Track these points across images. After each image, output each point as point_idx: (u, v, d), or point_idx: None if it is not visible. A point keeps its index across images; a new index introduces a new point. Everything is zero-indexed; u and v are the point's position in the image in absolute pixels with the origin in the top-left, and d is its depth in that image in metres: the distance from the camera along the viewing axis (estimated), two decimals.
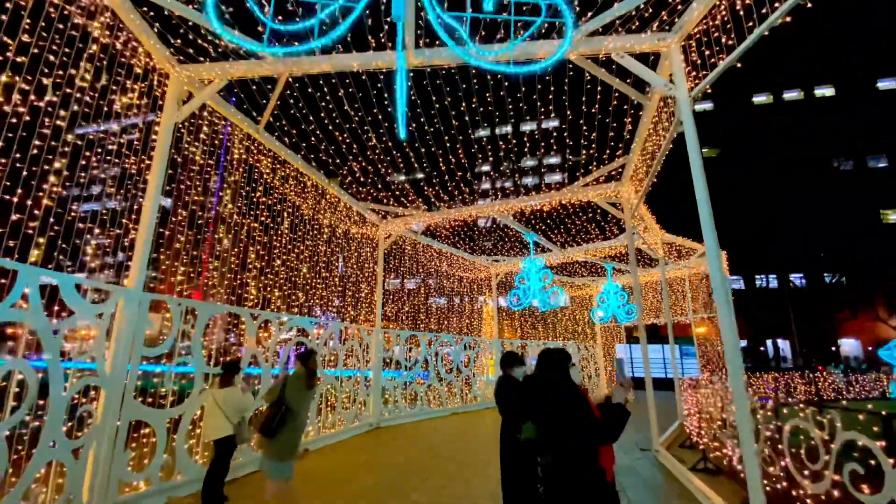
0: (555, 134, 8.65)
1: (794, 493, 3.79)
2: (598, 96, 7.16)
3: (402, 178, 9.92)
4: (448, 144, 8.62)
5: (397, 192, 9.74)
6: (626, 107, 7.07)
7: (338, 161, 8.15)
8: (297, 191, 7.79)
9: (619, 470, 6.78)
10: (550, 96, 7.60)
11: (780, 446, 3.90)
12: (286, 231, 7.43)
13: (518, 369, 4.03)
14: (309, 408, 4.23)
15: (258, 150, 6.80)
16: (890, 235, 41.69)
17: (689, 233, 12.95)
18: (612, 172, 8.54)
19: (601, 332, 18.51)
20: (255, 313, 6.37)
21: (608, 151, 8.25)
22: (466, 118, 7.82)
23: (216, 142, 6.04)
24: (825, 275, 41.71)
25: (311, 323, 7.82)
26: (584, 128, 7.97)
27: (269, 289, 7.10)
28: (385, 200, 10.04)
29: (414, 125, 7.92)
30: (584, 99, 7.37)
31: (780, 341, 39.21)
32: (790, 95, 48.53)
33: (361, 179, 9.25)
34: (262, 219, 6.90)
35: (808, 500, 3.57)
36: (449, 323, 13.91)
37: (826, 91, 50.77)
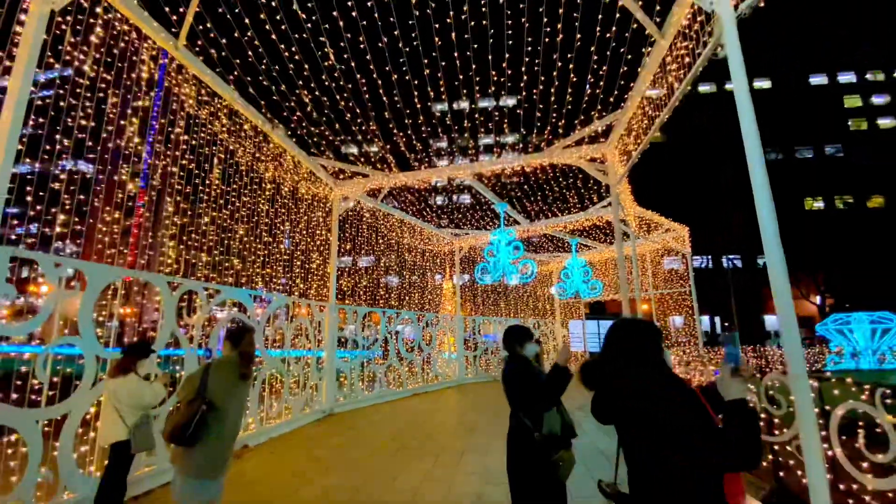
0: (539, 87, 7.68)
1: (842, 486, 3.23)
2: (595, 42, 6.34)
3: (360, 132, 8.59)
4: (419, 90, 7.40)
5: (359, 140, 8.40)
6: (623, 50, 6.24)
7: (283, 90, 6.67)
8: (231, 131, 6.30)
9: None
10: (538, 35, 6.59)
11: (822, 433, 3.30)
12: (216, 181, 5.98)
13: (530, 346, 3.11)
14: (243, 404, 3.06)
15: (177, 73, 5.25)
16: (812, 220, 45.40)
17: (654, 207, 12.71)
18: (597, 132, 7.74)
19: (560, 308, 18.32)
20: (174, 281, 4.98)
21: (598, 107, 7.44)
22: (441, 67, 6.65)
23: (114, 52, 4.47)
24: (757, 257, 44.89)
25: (250, 297, 6.49)
26: (573, 77, 7.07)
27: (193, 253, 5.68)
28: (341, 151, 8.67)
29: (389, 66, 6.65)
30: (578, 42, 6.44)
31: (703, 318, 41.94)
32: (731, 86, 50.88)
33: (312, 129, 7.83)
34: (184, 163, 5.42)
35: (869, 499, 3.00)
36: (410, 299, 12.88)
37: (763, 83, 53.70)
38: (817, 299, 42.61)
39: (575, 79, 7.08)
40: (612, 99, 7.06)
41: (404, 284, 12.82)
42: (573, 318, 17.87)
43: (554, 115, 8.07)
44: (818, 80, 53.10)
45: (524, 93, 7.55)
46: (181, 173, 5.36)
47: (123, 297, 4.56)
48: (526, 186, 10.45)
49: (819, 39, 48.89)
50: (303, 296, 8.48)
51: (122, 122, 4.66)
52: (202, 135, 5.78)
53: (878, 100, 51.92)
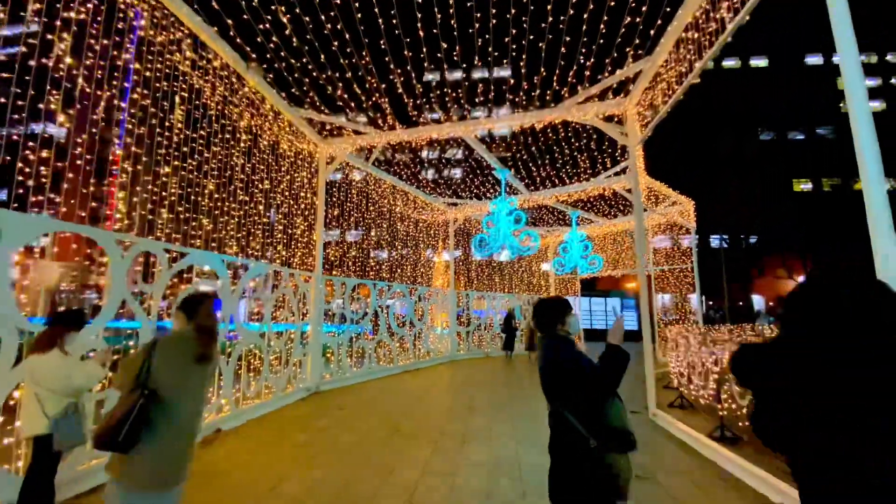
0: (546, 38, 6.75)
1: None
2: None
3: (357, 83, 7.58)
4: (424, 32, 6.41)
5: (351, 89, 7.42)
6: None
7: (263, 28, 5.67)
8: (197, 66, 5.30)
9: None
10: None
11: None
12: (179, 121, 5.02)
13: (572, 320, 2.39)
14: (201, 394, 2.29)
15: None
16: (798, 201, 45.65)
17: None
18: (621, 83, 6.91)
19: (555, 284, 17.81)
20: (125, 239, 4.12)
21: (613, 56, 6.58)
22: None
23: None
24: (741, 236, 45.21)
25: (222, 262, 5.64)
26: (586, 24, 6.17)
27: (151, 207, 4.78)
28: (332, 99, 7.69)
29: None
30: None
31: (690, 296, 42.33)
32: (728, 63, 50.08)
33: (297, 76, 6.82)
34: (136, 97, 4.45)
35: None
36: (402, 271, 12.12)
37: (760, 62, 52.95)
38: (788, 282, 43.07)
39: (594, 22, 6.19)
40: (628, 52, 6.21)
41: (396, 256, 12.03)
42: (569, 294, 17.39)
43: (568, 68, 7.19)
44: (814, 60, 52.48)
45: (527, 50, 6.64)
46: (133, 110, 4.40)
47: (59, 256, 3.69)
48: (534, 148, 9.60)
49: (818, 17, 47.74)
50: (286, 265, 7.64)
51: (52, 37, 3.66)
52: (160, 66, 4.78)
53: (869, 82, 51.58)
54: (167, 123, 4.94)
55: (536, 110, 7.70)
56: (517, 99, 7.59)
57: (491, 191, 13.04)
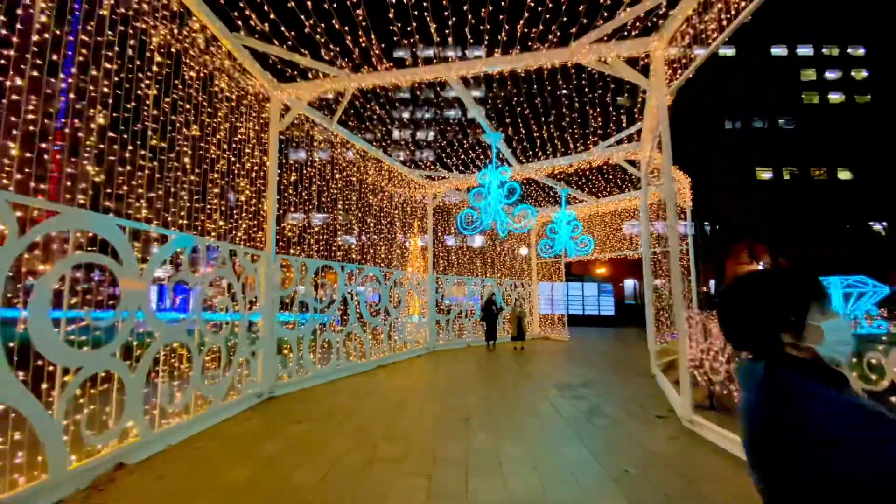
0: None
1: None
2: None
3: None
4: None
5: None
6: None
7: None
8: None
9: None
10: None
11: None
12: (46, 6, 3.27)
13: (831, 323, 1.00)
14: None
15: None
16: (762, 190, 46.79)
17: None
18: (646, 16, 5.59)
19: (538, 268, 16.71)
20: None
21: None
22: None
23: None
24: (705, 223, 46.08)
25: (119, 230, 3.97)
26: None
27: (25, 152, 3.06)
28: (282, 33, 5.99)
29: None
30: None
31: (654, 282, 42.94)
32: (698, 52, 50.36)
33: None
34: None
35: None
36: (375, 252, 10.57)
37: (728, 51, 53.54)
38: (759, 267, 44.44)
39: None
40: None
41: (368, 235, 10.44)
42: (553, 279, 16.35)
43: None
44: (779, 51, 53.56)
45: None
46: None
47: None
48: (526, 106, 8.17)
49: (783, 8, 48.71)
50: (224, 239, 5.97)
51: None
52: None
53: (830, 75, 53.24)
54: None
55: (540, 51, 6.26)
56: (515, 33, 6.11)
57: (477, 162, 11.62)
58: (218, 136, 5.81)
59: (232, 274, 5.84)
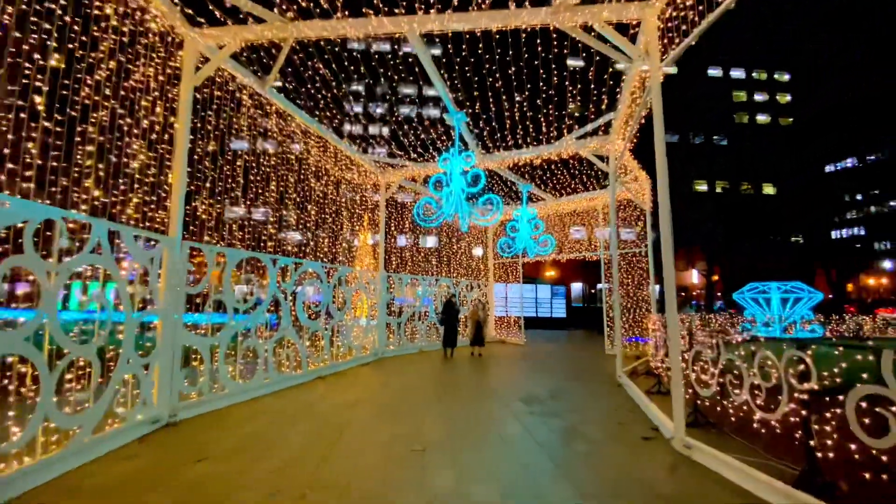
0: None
1: None
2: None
3: None
4: None
5: None
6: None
7: None
8: None
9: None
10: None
11: None
12: None
13: None
14: None
15: None
16: (698, 201, 49.62)
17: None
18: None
19: (495, 269, 15.95)
20: None
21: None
22: None
23: None
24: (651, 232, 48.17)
25: None
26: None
27: None
28: None
29: None
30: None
31: (576, 285, 44.02)
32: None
33: None
34: None
35: None
36: (317, 246, 9.21)
37: (670, 70, 56.33)
38: (693, 273, 47.00)
39: None
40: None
41: (309, 225, 9.05)
42: (510, 280, 15.66)
43: None
44: (715, 72, 57.40)
45: None
46: None
47: None
48: (510, 73, 7.20)
49: (721, 32, 52.20)
50: (102, 215, 4.48)
51: None
52: None
53: (759, 97, 57.75)
54: None
55: (518, 11, 5.33)
56: None
57: (438, 146, 10.57)
58: (97, 77, 4.32)
59: (112, 262, 4.36)
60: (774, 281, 18.01)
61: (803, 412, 3.56)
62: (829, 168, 59.37)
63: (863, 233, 57.30)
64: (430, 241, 15.13)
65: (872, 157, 56.76)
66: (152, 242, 5.19)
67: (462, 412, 5.95)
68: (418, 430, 5.04)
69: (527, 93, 7.12)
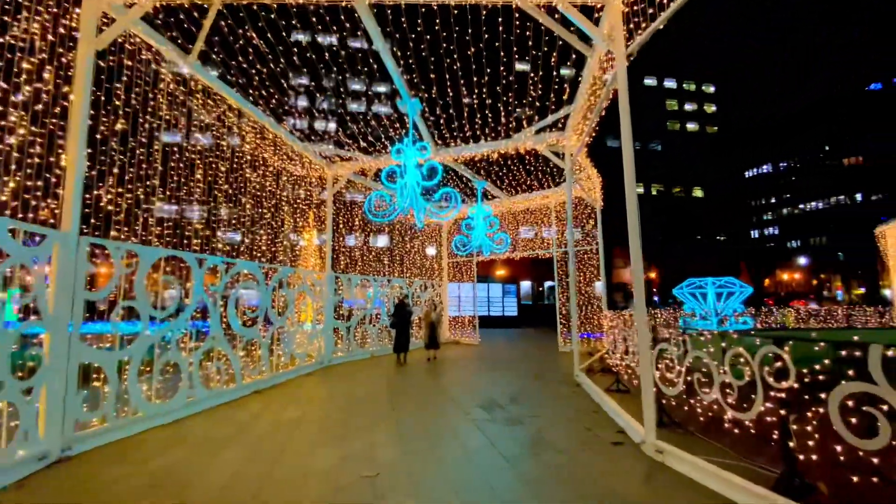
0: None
1: None
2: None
3: None
4: None
5: None
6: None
7: None
8: None
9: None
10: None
11: None
12: None
13: None
14: None
15: None
16: (647, 203, 52.23)
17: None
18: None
19: (449, 268, 15.55)
20: None
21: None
22: None
23: None
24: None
25: None
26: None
27: None
28: None
29: None
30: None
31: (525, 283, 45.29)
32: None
33: None
34: None
35: None
36: (254, 245, 8.29)
37: (608, 76, 59.10)
38: (627, 271, 49.60)
39: None
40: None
41: (243, 220, 8.11)
42: (465, 279, 15.32)
43: None
44: (650, 81, 61.02)
45: None
46: None
47: None
48: (469, 53, 6.74)
49: (659, 43, 55.39)
50: None
51: None
52: None
53: (688, 106, 62.05)
54: None
55: None
56: None
57: (390, 138, 9.95)
58: None
59: None
60: (706, 277, 19.10)
61: (781, 412, 3.41)
62: (748, 173, 65.22)
63: (776, 232, 63.45)
64: (382, 240, 14.43)
65: (784, 164, 63.06)
66: (38, 238, 4.21)
67: (419, 425, 5.43)
68: (370, 451, 4.46)
69: (486, 78, 6.73)
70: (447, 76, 6.84)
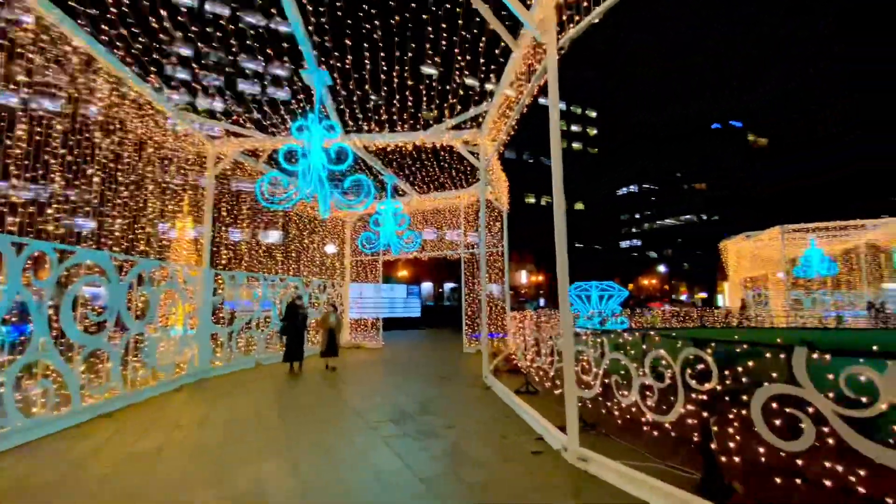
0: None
1: None
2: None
3: None
4: None
5: None
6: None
7: None
8: None
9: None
10: None
11: None
12: None
13: None
14: None
15: None
16: (528, 212, 56.21)
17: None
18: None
19: (352, 267, 14.56)
20: None
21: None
22: None
23: None
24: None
25: None
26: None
27: None
28: None
29: None
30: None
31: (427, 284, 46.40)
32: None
33: None
34: None
35: None
36: (103, 230, 6.54)
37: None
38: (523, 274, 53.09)
39: None
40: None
41: (89, 199, 6.34)
42: (369, 278, 14.44)
43: None
44: (544, 101, 66.24)
45: None
46: None
47: None
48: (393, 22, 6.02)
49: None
50: None
51: None
52: None
53: (574, 128, 68.70)
54: None
55: None
56: None
57: (292, 112, 8.76)
58: None
59: None
60: (590, 281, 20.97)
61: (704, 413, 3.44)
62: (620, 192, 74.49)
63: (640, 244, 73.32)
64: (275, 234, 12.84)
65: (647, 186, 73.22)
66: None
67: (318, 448, 4.61)
68: (257, 488, 3.57)
69: (409, 55, 6.11)
70: (366, 45, 6.05)
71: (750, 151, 69.72)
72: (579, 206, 66.95)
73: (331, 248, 14.58)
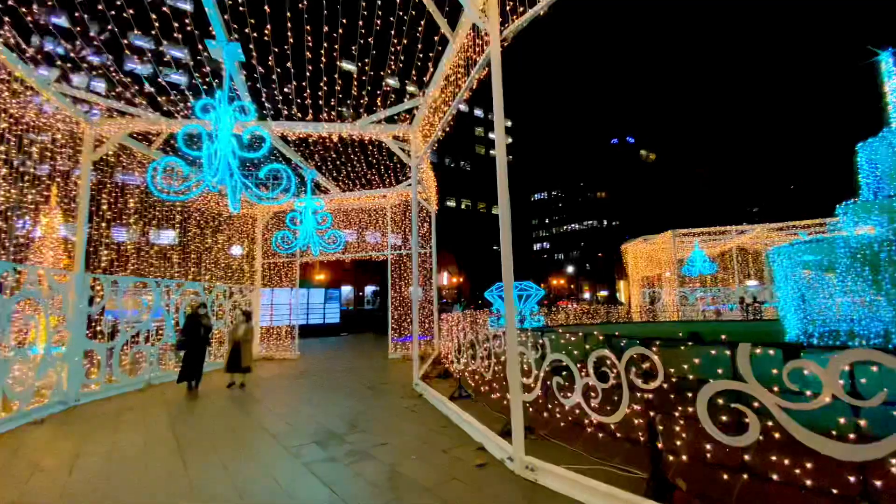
0: None
1: None
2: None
3: None
4: None
5: None
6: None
7: None
8: None
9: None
10: None
11: None
12: None
13: None
14: None
15: None
16: (449, 215, 57.03)
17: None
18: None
19: (265, 269, 13.23)
20: None
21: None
22: None
23: None
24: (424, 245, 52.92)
25: None
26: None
27: None
28: None
29: None
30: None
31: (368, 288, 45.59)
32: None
33: None
34: None
35: None
36: None
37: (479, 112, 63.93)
38: (444, 276, 53.84)
39: None
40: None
41: None
42: (283, 283, 13.21)
43: None
44: (464, 108, 67.99)
45: None
46: None
47: None
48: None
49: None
50: None
51: None
52: None
53: (491, 135, 71.32)
54: None
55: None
56: None
57: (195, 89, 7.56)
58: None
59: None
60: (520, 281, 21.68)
61: (651, 413, 3.43)
62: (534, 197, 79.02)
63: (548, 246, 78.27)
64: (171, 233, 11.08)
65: (555, 193, 78.52)
66: None
67: (228, 488, 3.87)
68: None
69: (337, 33, 5.48)
70: (289, 16, 5.29)
71: (643, 164, 78.15)
72: (496, 210, 69.78)
73: (237, 250, 13.12)
